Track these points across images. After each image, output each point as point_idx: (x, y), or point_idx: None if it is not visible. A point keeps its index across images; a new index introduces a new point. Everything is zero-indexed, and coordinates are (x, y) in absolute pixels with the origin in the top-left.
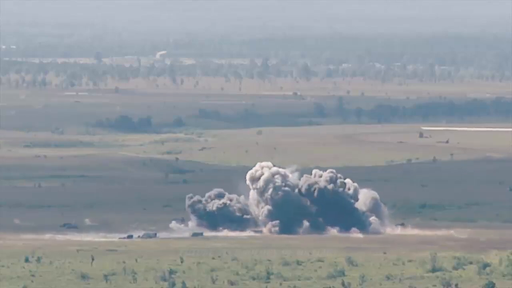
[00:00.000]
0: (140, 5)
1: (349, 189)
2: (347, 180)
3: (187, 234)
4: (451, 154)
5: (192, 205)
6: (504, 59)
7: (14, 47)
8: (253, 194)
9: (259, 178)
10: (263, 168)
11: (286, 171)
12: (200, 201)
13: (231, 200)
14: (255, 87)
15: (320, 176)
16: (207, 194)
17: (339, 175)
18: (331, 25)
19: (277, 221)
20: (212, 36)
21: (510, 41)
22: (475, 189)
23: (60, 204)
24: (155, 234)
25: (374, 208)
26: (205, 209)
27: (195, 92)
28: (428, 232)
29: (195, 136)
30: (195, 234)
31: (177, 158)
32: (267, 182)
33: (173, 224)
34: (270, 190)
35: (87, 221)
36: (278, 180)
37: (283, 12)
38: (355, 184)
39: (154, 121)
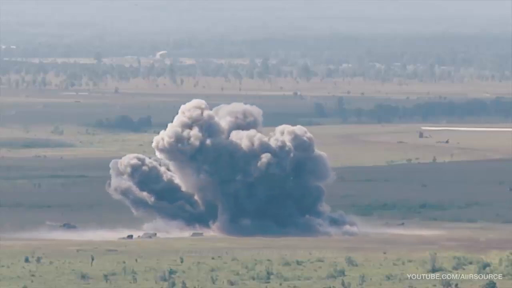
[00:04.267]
0: (140, 5)
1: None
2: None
3: (187, 234)
4: (451, 154)
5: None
6: (504, 59)
7: (14, 47)
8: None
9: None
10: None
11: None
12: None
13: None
14: (255, 87)
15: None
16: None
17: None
18: (331, 25)
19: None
20: (212, 36)
21: (510, 41)
22: (475, 189)
23: (60, 204)
24: (155, 234)
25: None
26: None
27: (195, 92)
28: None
29: None
30: (195, 234)
31: None
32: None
33: (147, 226)
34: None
35: (48, 223)
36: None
37: (283, 12)
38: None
39: (154, 121)
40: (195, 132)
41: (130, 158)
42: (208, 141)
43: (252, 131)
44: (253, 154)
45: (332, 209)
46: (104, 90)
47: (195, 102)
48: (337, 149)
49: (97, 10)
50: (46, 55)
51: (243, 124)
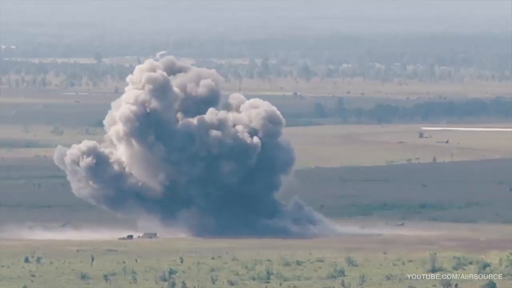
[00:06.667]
0: (140, 5)
1: None
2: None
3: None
4: (451, 154)
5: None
6: (504, 59)
7: (14, 47)
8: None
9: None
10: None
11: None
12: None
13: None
14: (255, 87)
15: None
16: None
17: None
18: (331, 25)
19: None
20: (212, 36)
21: (510, 41)
22: (475, 189)
23: (60, 204)
24: (155, 234)
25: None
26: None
27: None
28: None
29: None
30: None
31: None
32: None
33: (141, 225)
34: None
35: (28, 224)
36: None
37: (283, 12)
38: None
39: None
40: (151, 138)
41: (82, 153)
42: (162, 147)
43: (212, 118)
44: (213, 157)
45: (328, 208)
46: (104, 90)
47: (151, 82)
48: (337, 149)
49: (97, 10)
50: (46, 55)
51: (202, 103)
